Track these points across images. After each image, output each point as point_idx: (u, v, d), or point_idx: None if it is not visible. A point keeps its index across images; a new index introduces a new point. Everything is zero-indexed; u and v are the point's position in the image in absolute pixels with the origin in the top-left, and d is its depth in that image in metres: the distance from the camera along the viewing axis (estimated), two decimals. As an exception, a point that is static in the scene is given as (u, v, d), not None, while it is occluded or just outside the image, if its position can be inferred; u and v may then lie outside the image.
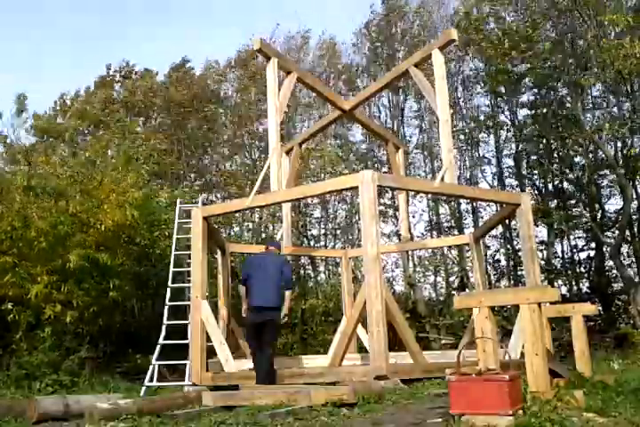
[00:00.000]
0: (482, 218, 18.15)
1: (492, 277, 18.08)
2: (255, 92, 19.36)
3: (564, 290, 16.89)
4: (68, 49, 36.84)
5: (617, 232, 15.74)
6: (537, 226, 15.93)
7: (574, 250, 18.06)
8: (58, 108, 21.51)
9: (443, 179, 8.03)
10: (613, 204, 18.00)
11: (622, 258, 15.71)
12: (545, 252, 16.82)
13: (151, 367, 8.83)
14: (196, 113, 19.33)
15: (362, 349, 10.54)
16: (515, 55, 15.20)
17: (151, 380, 8.69)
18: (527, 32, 14.70)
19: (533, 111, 17.75)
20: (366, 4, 20.49)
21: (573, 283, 17.43)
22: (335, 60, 20.59)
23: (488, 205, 17.76)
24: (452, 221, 19.02)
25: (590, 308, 6.85)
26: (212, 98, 19.94)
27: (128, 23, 34.49)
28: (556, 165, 17.48)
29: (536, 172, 17.88)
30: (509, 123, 18.47)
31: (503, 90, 17.70)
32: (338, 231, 19.57)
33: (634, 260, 16.45)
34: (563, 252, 18.13)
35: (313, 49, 21.14)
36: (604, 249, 16.41)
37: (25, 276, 9.98)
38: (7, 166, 15.80)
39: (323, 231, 19.58)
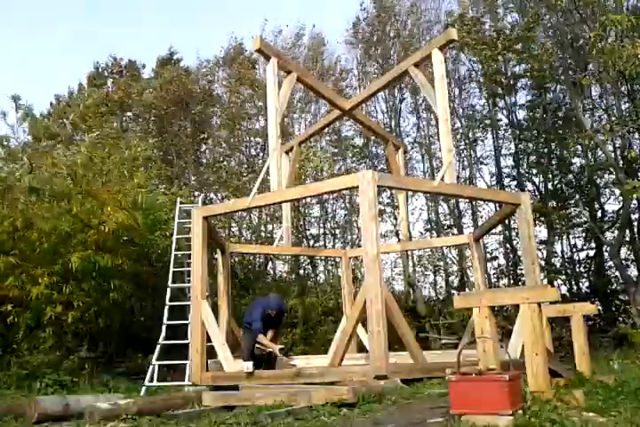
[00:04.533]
0: (481, 217, 18.16)
1: (492, 276, 18.09)
2: (242, 89, 19.31)
3: (563, 290, 16.89)
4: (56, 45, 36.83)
5: (616, 232, 15.74)
6: (537, 226, 15.93)
7: (574, 250, 18.08)
8: (53, 110, 21.42)
9: (442, 178, 8.02)
10: (613, 204, 18.01)
11: (622, 258, 15.71)
12: (545, 251, 16.82)
13: (151, 367, 8.84)
14: (184, 113, 19.23)
15: (362, 349, 10.54)
16: (509, 56, 15.21)
17: (151, 380, 8.70)
18: (521, 32, 14.70)
19: (532, 111, 17.76)
20: (357, 2, 20.63)
21: (573, 283, 17.43)
22: (321, 57, 20.52)
23: (487, 205, 17.76)
24: (452, 220, 19.02)
25: (590, 307, 6.85)
26: (202, 97, 19.79)
27: (115, 16, 34.38)
28: (555, 165, 17.48)
29: (535, 171, 17.88)
30: (507, 122, 18.49)
31: (500, 90, 17.71)
32: (337, 231, 19.57)
33: (634, 260, 16.45)
34: (562, 251, 18.14)
35: (304, 45, 21.08)
36: (604, 249, 16.42)
37: (26, 278, 9.99)
38: (7, 166, 15.76)
39: (322, 231, 19.58)
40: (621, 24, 10.82)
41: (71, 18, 36.14)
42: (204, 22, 34.27)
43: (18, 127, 13.84)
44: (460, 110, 19.28)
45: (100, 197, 10.86)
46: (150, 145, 16.33)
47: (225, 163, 19.86)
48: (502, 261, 18.42)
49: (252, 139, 19.95)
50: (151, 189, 13.07)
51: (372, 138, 18.13)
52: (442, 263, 18.57)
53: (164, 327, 9.29)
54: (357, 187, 7.32)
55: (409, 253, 17.33)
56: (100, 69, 21.88)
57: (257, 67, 19.98)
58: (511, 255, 17.80)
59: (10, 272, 9.96)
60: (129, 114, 20.79)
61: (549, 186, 17.70)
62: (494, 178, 18.62)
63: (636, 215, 16.23)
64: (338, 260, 12.99)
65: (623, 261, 15.69)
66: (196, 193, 17.09)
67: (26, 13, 37.83)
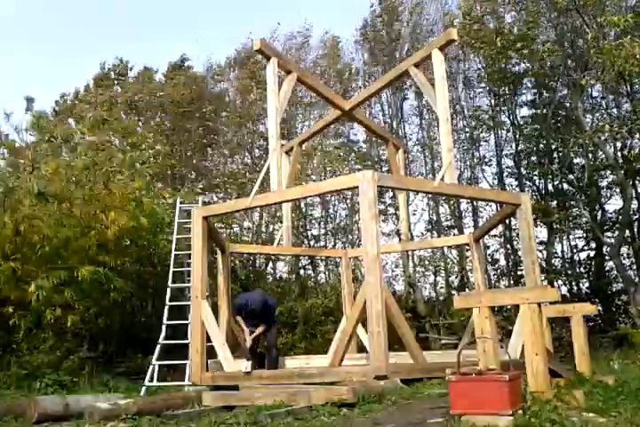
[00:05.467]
0: (482, 218, 18.15)
1: (492, 277, 18.08)
2: (255, 92, 19.35)
3: (564, 290, 16.88)
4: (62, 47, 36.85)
5: (617, 232, 15.74)
6: (537, 226, 15.92)
7: (574, 250, 18.07)
8: (58, 108, 21.40)
9: (443, 178, 8.02)
10: (613, 204, 18.03)
11: (622, 258, 15.71)
12: (545, 252, 16.81)
13: (151, 367, 8.84)
14: (195, 114, 19.27)
15: (362, 349, 10.54)
16: (510, 54, 15.18)
17: (151, 380, 8.70)
18: (522, 31, 14.67)
19: (533, 111, 17.76)
20: (365, 2, 20.67)
21: (573, 283, 17.43)
22: (336, 60, 20.48)
23: (488, 205, 17.76)
24: (452, 220, 19.02)
25: (590, 308, 6.85)
26: (211, 98, 19.87)
27: (124, 20, 34.42)
28: (556, 166, 17.48)
29: (536, 172, 17.87)
30: (509, 122, 18.49)
31: (502, 90, 17.71)
32: (338, 231, 19.57)
33: (634, 260, 16.44)
34: (563, 252, 18.13)
35: (314, 48, 21.10)
36: (604, 249, 16.41)
37: (26, 279, 9.98)
38: (9, 169, 15.73)
39: (323, 231, 19.58)
40: (619, 25, 10.84)
41: (81, 19, 36.14)
42: (214, 24, 34.31)
43: (24, 129, 13.81)
44: (465, 110, 19.29)
45: (102, 200, 10.86)
46: (157, 143, 16.38)
47: (229, 164, 19.93)
48: (502, 261, 18.44)
49: (257, 140, 19.98)
50: (153, 195, 13.03)
51: (374, 139, 18.14)
52: (442, 264, 18.56)
53: (163, 327, 9.29)
54: (357, 187, 7.33)
55: (409, 253, 17.32)
56: (107, 70, 21.87)
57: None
58: (511, 256, 17.80)
59: (11, 275, 9.95)
60: (139, 117, 20.78)
61: (550, 186, 17.71)
62: (496, 178, 18.64)
63: (637, 215, 16.25)
64: (338, 260, 12.98)
65: (623, 262, 15.69)
66: (200, 193, 17.07)
67: (33, 14, 37.87)
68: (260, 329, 8.33)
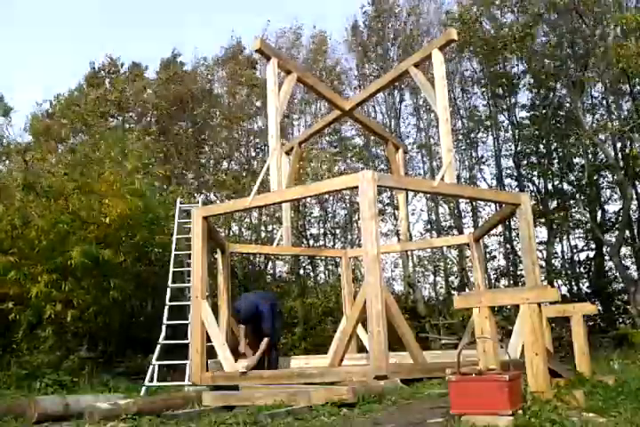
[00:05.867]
0: (481, 218, 18.16)
1: (492, 277, 18.08)
2: (242, 93, 19.35)
3: (564, 290, 16.90)
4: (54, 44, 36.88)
5: (617, 232, 15.75)
6: (537, 226, 15.93)
7: (574, 250, 18.08)
8: (51, 109, 21.37)
9: (442, 178, 8.02)
10: (613, 204, 18.04)
11: (622, 258, 15.71)
12: (545, 252, 16.82)
13: (151, 367, 8.83)
14: (185, 113, 19.23)
15: (362, 349, 10.54)
16: (508, 55, 15.20)
17: (151, 380, 8.69)
18: (518, 31, 14.66)
19: (532, 112, 17.77)
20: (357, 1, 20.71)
21: (573, 283, 17.44)
22: (323, 57, 20.47)
23: (487, 205, 17.77)
24: (452, 220, 19.02)
25: (590, 308, 6.85)
26: (202, 97, 19.78)
27: (113, 16, 34.35)
28: (555, 166, 17.49)
29: (535, 172, 17.89)
30: (508, 123, 18.50)
31: (500, 90, 17.71)
32: (337, 231, 19.58)
33: (634, 260, 16.45)
34: (562, 252, 18.15)
35: (305, 46, 21.08)
36: (604, 249, 16.42)
37: (26, 274, 9.99)
38: (2, 164, 15.78)
39: (322, 231, 19.59)
40: (627, 23, 10.84)
41: (74, 17, 36.17)
42: (204, 23, 34.33)
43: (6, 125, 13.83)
44: (462, 111, 19.29)
45: (97, 189, 10.84)
46: (147, 143, 16.35)
47: (224, 164, 19.88)
48: (502, 261, 18.45)
49: (250, 139, 19.96)
50: (149, 188, 13.03)
51: (373, 138, 18.13)
52: (442, 264, 18.56)
53: (163, 327, 9.29)
54: (357, 187, 7.33)
55: (409, 253, 17.32)
56: (97, 69, 21.77)
57: (257, 67, 19.97)
58: (511, 256, 17.80)
59: (9, 270, 9.95)
60: (129, 114, 20.69)
61: (550, 186, 17.71)
62: (495, 178, 18.65)
63: (637, 215, 16.25)
64: (338, 260, 12.98)
65: (623, 262, 15.70)
66: (195, 194, 17.06)
67: (27, 13, 37.87)
68: (263, 344, 8.13)
